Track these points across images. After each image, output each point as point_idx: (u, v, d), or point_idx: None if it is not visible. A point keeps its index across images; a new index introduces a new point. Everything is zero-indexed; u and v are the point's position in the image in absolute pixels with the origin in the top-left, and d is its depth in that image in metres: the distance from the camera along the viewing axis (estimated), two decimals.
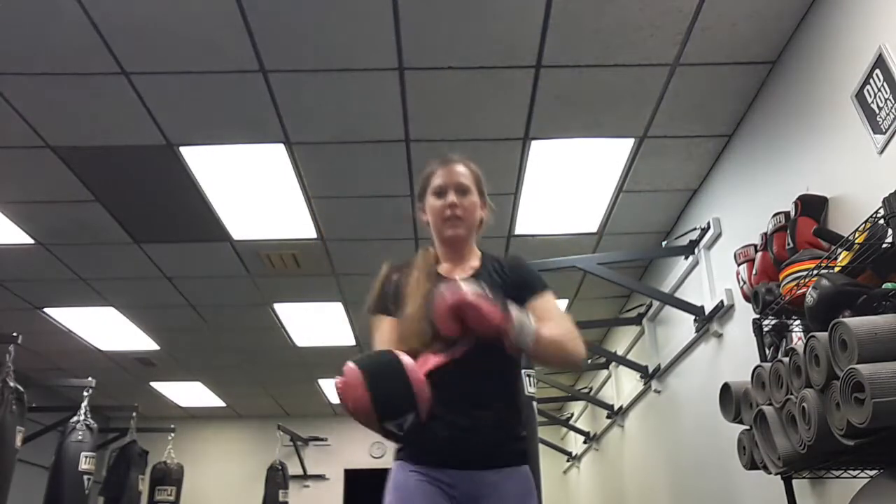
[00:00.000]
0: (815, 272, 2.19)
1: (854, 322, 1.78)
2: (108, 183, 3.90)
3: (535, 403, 3.28)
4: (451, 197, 1.84)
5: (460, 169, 1.89)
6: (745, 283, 3.08)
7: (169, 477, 6.58)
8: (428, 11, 2.75)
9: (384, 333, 1.75)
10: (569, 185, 3.99)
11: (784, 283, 2.41)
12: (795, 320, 2.53)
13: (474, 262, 1.88)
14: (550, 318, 1.71)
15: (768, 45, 2.93)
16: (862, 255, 2.06)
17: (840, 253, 2.14)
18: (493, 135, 3.52)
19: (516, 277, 1.84)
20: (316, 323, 5.99)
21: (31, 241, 4.47)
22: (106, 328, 5.98)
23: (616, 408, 5.96)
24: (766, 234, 2.80)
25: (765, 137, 3.17)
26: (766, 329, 2.67)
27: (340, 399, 1.48)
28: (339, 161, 3.73)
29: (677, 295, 4.22)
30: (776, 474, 2.36)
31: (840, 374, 1.79)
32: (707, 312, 3.76)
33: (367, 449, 8.88)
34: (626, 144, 3.62)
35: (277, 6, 2.72)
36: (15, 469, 4.01)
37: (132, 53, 2.95)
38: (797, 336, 2.52)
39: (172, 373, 7.24)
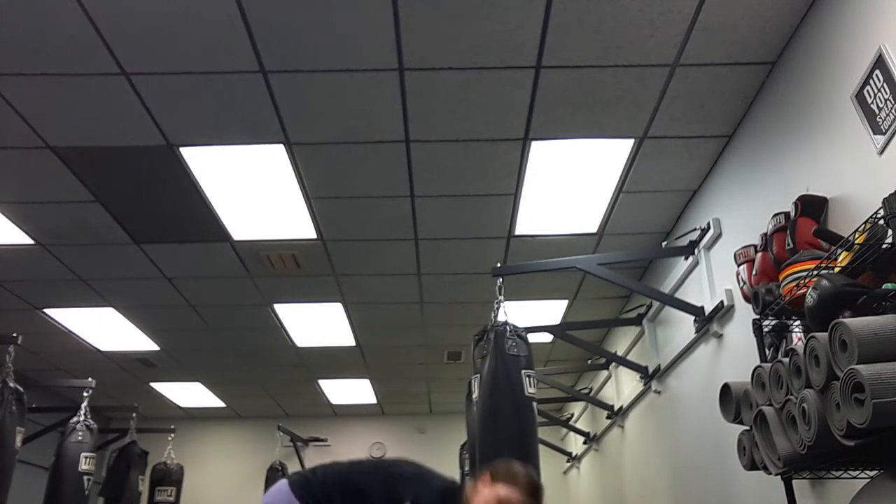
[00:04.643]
0: (815, 273, 2.19)
1: (854, 322, 1.78)
2: (108, 183, 3.90)
3: (534, 404, 3.28)
4: None
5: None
6: (745, 283, 3.08)
7: (169, 477, 6.60)
8: (428, 11, 2.75)
9: None
10: (569, 185, 3.99)
11: (784, 283, 2.41)
12: (795, 321, 2.53)
13: None
14: None
15: (768, 46, 2.93)
16: (862, 255, 2.05)
17: (840, 253, 2.14)
18: (492, 135, 3.52)
19: None
20: (316, 323, 5.99)
21: (31, 241, 4.47)
22: (106, 328, 5.98)
23: (616, 408, 5.96)
24: (765, 234, 2.80)
25: (765, 137, 3.17)
26: (766, 329, 2.66)
27: None
28: (339, 161, 3.73)
29: (677, 295, 4.21)
30: (776, 475, 2.35)
31: (840, 374, 1.78)
32: (707, 313, 3.76)
33: (366, 449, 8.87)
34: (626, 145, 3.61)
35: (277, 6, 2.72)
36: (15, 469, 4.02)
37: (132, 53, 2.95)
38: (797, 336, 2.52)
39: (172, 373, 7.23)
